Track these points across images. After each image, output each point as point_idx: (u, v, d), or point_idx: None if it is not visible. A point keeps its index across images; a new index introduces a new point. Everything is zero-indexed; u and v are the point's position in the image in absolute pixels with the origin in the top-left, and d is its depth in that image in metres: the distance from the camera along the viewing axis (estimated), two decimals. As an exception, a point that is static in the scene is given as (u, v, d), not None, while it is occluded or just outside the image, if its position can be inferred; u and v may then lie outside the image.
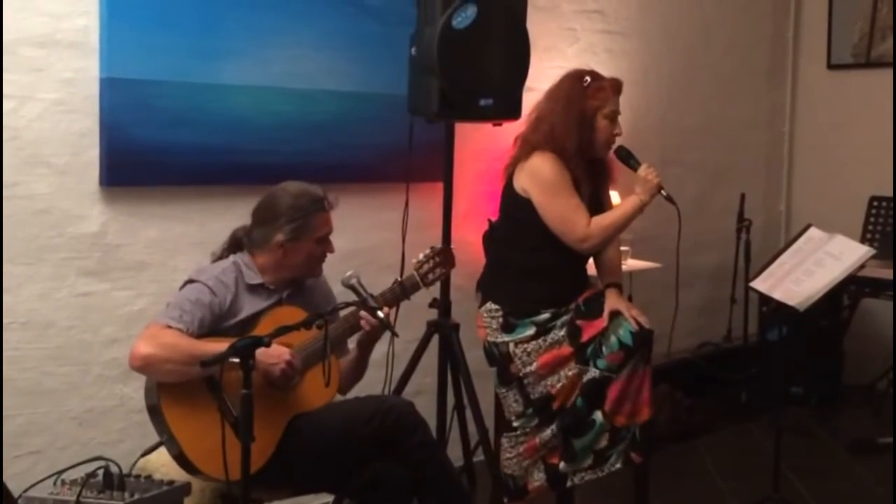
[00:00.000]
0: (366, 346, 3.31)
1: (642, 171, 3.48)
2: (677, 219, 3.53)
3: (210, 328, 3.05)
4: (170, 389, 2.95)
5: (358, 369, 3.38)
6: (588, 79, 3.53)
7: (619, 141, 3.59)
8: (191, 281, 3.13)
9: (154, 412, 2.95)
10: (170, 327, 2.96)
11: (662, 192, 3.48)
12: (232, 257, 3.24)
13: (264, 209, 3.23)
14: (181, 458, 2.92)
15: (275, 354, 2.97)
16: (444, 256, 3.46)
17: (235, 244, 3.29)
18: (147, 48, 3.63)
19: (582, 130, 3.47)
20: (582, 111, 3.48)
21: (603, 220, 3.47)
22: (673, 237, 3.58)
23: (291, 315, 3.05)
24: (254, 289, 3.18)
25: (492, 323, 3.55)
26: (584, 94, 3.50)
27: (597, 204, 3.56)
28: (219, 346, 2.85)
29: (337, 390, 3.26)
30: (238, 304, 3.13)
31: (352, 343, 3.35)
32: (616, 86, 3.54)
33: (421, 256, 3.44)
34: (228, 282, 3.13)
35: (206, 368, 2.71)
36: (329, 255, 3.30)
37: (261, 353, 2.77)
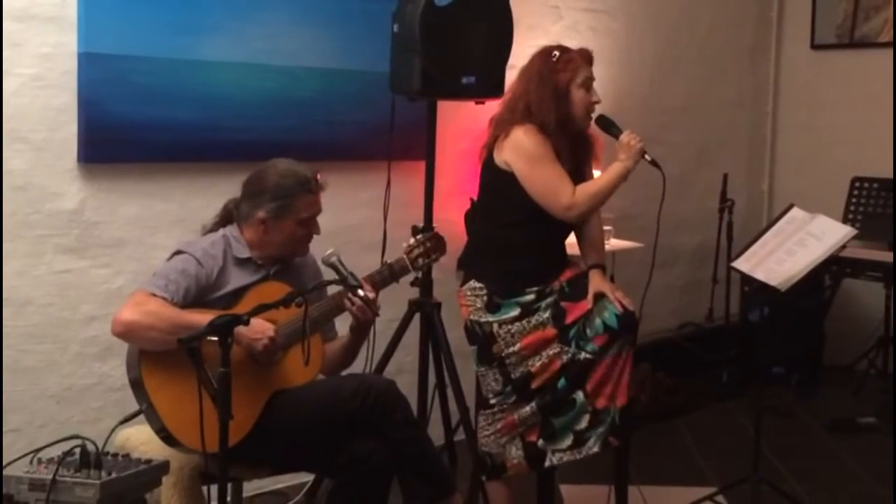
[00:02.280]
0: (357, 332, 3.30)
1: (624, 137, 3.46)
2: (659, 197, 3.51)
3: (195, 299, 3.05)
4: (151, 361, 2.94)
5: (347, 355, 3.37)
6: (556, 53, 3.50)
7: (598, 109, 3.55)
8: (179, 252, 3.13)
9: (136, 385, 2.95)
10: (155, 295, 2.97)
11: (646, 156, 3.45)
12: (221, 231, 3.24)
13: (251, 183, 3.23)
14: (162, 430, 2.93)
15: (258, 329, 2.98)
16: (435, 242, 3.46)
17: (227, 216, 3.29)
18: (126, 23, 3.59)
19: (559, 105, 3.44)
20: (555, 85, 3.45)
21: (589, 188, 3.45)
22: (655, 217, 3.55)
23: (277, 291, 3.04)
24: (242, 263, 3.18)
25: (475, 302, 3.53)
26: (554, 69, 3.47)
27: (579, 179, 3.54)
28: (203, 316, 2.88)
29: (319, 370, 3.25)
30: (225, 276, 3.13)
31: (344, 327, 3.34)
32: (585, 55, 3.51)
33: (412, 241, 3.43)
34: (217, 254, 3.13)
35: (183, 342, 2.69)
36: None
37: (245, 327, 2.79)
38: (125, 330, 2.92)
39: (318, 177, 3.24)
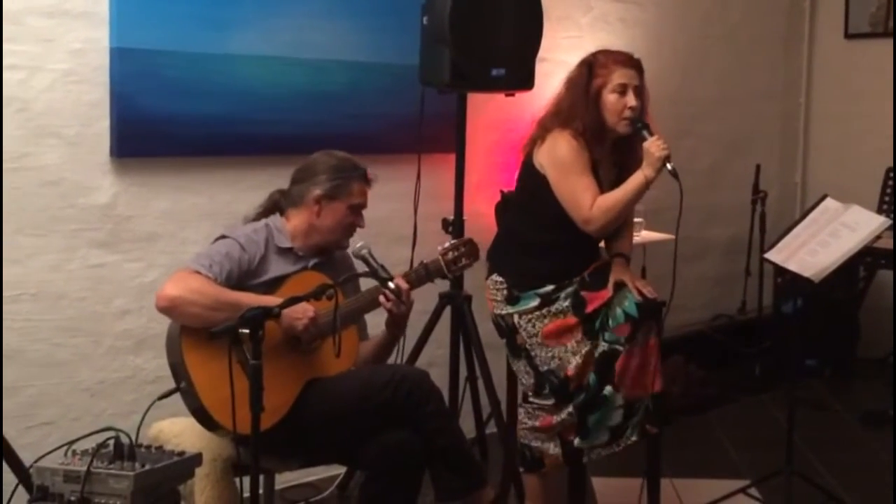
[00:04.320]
0: (393, 328, 3.31)
1: (648, 143, 3.36)
2: (691, 188, 3.47)
3: (236, 283, 3.08)
4: (193, 341, 2.96)
5: (382, 352, 3.38)
6: (595, 58, 3.48)
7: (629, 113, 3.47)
8: (223, 236, 3.18)
9: (176, 368, 2.98)
10: (198, 273, 3.00)
11: (668, 165, 3.34)
12: (264, 220, 3.28)
13: (306, 167, 3.28)
14: (199, 409, 2.95)
15: (300, 309, 3.00)
16: (469, 248, 3.47)
17: (272, 206, 3.33)
18: (157, 18, 3.61)
19: (590, 110, 3.40)
20: (586, 90, 3.42)
21: (605, 201, 3.38)
22: (688, 208, 3.51)
23: (315, 281, 3.07)
24: (283, 252, 3.21)
25: (497, 295, 3.53)
26: (590, 74, 3.44)
27: None
28: (245, 296, 2.96)
29: (353, 364, 3.26)
30: (266, 264, 3.16)
31: (380, 323, 3.34)
32: (620, 59, 3.44)
33: (447, 244, 3.44)
34: (259, 241, 3.17)
35: (215, 334, 2.72)
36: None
37: (286, 308, 2.86)
38: (169, 305, 2.95)
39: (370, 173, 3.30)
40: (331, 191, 3.22)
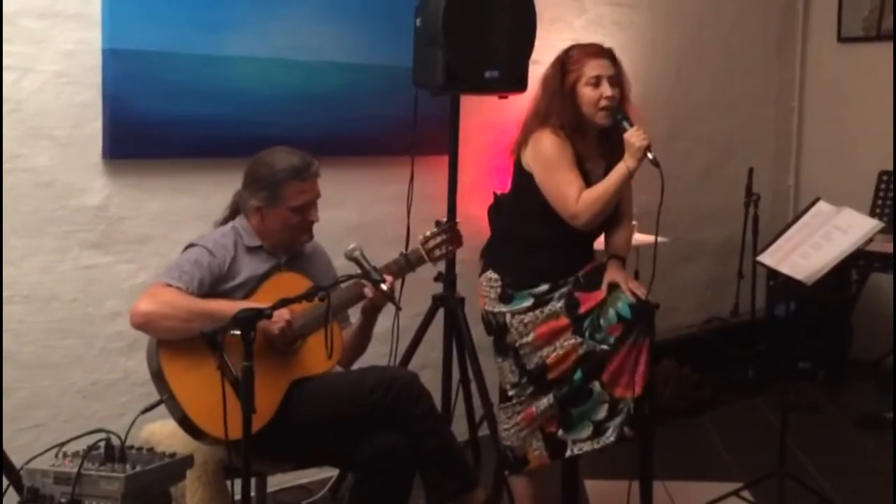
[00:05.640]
0: (369, 315, 3.30)
1: (629, 133, 3.36)
2: (685, 191, 3.49)
3: (210, 289, 3.07)
4: (170, 352, 2.97)
5: (361, 341, 3.37)
6: (567, 54, 3.48)
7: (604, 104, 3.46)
8: (191, 245, 3.18)
9: (156, 376, 2.98)
10: (170, 286, 3.00)
11: (649, 154, 3.34)
12: (231, 223, 3.27)
13: (248, 173, 3.27)
14: (183, 419, 2.95)
15: (275, 313, 2.96)
16: (451, 233, 3.46)
17: (236, 208, 3.33)
18: (150, 19, 3.60)
19: (565, 104, 3.41)
20: (562, 86, 3.43)
21: (590, 194, 3.39)
22: (680, 211, 3.54)
23: (292, 282, 3.07)
24: (253, 251, 3.21)
25: (490, 292, 3.53)
26: (563, 70, 3.45)
27: None
28: (219, 304, 2.94)
29: (338, 362, 3.26)
30: (237, 266, 3.16)
31: (354, 314, 3.34)
32: (591, 51, 3.44)
33: (428, 232, 3.43)
34: (228, 244, 3.17)
35: (206, 335, 2.72)
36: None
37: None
38: (143, 321, 2.95)
39: (313, 164, 3.22)
40: (265, 200, 3.18)
